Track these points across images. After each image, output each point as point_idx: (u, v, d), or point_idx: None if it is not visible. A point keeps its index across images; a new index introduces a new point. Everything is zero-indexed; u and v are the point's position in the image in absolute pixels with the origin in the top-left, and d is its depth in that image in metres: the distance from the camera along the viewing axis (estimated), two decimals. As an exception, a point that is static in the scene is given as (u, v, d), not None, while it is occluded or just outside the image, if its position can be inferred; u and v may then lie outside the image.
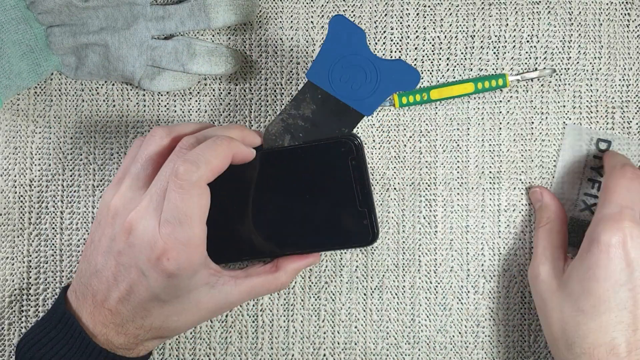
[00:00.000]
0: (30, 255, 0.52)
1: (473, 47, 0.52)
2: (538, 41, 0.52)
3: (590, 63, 0.53)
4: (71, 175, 0.52)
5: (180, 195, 0.39)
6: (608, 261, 0.41)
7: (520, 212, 0.52)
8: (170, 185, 0.39)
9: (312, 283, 0.52)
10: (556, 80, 0.53)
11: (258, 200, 0.45)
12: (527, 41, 0.52)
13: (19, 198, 0.52)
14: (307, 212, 0.44)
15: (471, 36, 0.52)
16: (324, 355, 0.52)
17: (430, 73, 0.53)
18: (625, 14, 0.52)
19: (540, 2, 0.52)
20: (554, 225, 0.49)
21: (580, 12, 0.52)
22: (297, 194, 0.44)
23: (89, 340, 0.42)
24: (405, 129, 0.52)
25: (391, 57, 0.52)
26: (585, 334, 0.41)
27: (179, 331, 0.45)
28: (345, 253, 0.52)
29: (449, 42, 0.53)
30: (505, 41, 0.52)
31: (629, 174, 0.45)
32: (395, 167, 0.52)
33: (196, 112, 0.53)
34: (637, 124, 0.52)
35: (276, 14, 0.53)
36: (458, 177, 0.52)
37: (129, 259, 0.41)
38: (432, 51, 0.52)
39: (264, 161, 0.44)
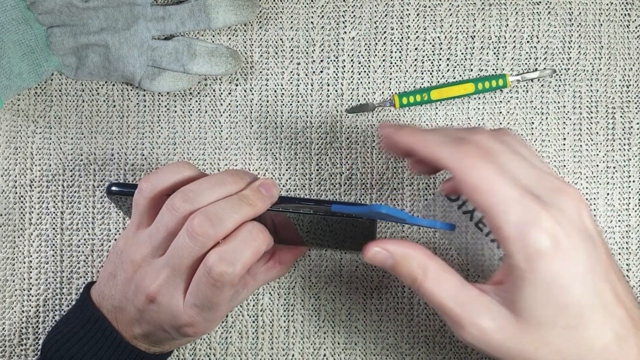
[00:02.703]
0: (31, 256, 0.52)
1: (473, 48, 0.52)
2: (538, 41, 0.52)
3: (591, 63, 0.53)
4: (72, 176, 0.53)
5: (212, 291, 0.40)
6: (565, 261, 0.34)
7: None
8: (202, 277, 0.39)
9: (312, 283, 0.52)
10: (556, 80, 0.53)
11: (268, 216, 0.44)
12: (528, 41, 0.52)
13: (20, 198, 0.52)
14: (316, 238, 0.46)
15: (471, 36, 0.52)
16: (324, 355, 0.52)
17: (431, 73, 0.53)
18: (625, 15, 0.52)
19: (540, 2, 0.52)
20: (437, 267, 0.37)
21: (580, 13, 0.52)
22: (311, 234, 0.45)
23: (121, 340, 0.43)
24: (405, 130, 0.52)
25: (391, 58, 0.52)
26: (591, 341, 0.34)
27: (199, 337, 0.49)
28: (345, 253, 0.52)
29: (449, 42, 0.53)
30: (506, 41, 0.52)
31: (474, 149, 0.35)
32: (395, 167, 0.52)
33: (196, 112, 0.53)
34: (637, 124, 0.52)
35: (276, 14, 0.53)
36: (458, 178, 0.52)
37: (151, 319, 0.42)
38: (433, 51, 0.52)
39: (283, 214, 0.43)
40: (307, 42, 0.53)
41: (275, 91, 0.53)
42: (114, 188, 0.45)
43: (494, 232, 0.35)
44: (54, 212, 0.52)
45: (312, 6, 0.53)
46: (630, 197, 0.52)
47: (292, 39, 0.53)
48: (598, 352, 0.34)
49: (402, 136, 0.38)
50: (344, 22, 0.52)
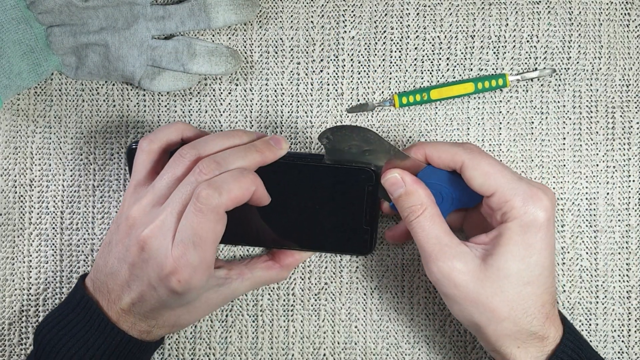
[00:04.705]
0: (31, 255, 0.52)
1: (473, 47, 0.52)
2: (538, 41, 0.53)
3: (590, 63, 0.53)
4: (71, 175, 0.53)
5: (198, 218, 0.40)
6: (547, 235, 0.42)
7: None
8: (190, 207, 0.41)
9: (312, 284, 0.52)
10: (556, 80, 0.53)
11: (274, 199, 0.46)
12: (527, 41, 0.52)
13: (20, 198, 0.52)
14: (315, 219, 0.48)
15: (471, 36, 0.53)
16: (324, 355, 0.52)
17: (430, 73, 0.53)
18: (625, 14, 0.52)
19: (540, 2, 0.52)
20: (433, 211, 0.43)
21: (580, 12, 0.52)
22: (311, 202, 0.47)
23: (107, 321, 0.43)
24: (405, 129, 0.52)
25: (390, 57, 0.52)
26: (536, 299, 0.42)
27: (190, 323, 0.47)
28: (344, 254, 0.52)
29: (449, 42, 0.53)
30: (506, 41, 0.52)
31: (476, 148, 0.44)
32: (395, 167, 0.52)
33: (197, 112, 0.53)
34: (637, 123, 0.52)
35: (276, 13, 0.53)
36: (458, 177, 0.52)
37: (141, 272, 0.42)
38: (432, 51, 0.53)
39: (289, 168, 0.46)
40: (307, 41, 0.53)
41: (275, 91, 0.53)
42: (134, 146, 0.46)
43: (501, 205, 0.42)
44: (54, 212, 0.52)
45: (312, 5, 0.53)
46: (630, 197, 0.52)
47: (292, 38, 0.53)
48: (538, 307, 0.42)
49: (418, 149, 0.45)
50: (343, 22, 0.53)
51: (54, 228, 0.52)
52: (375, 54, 0.53)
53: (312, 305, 0.52)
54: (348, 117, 0.52)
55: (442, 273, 0.42)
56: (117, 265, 0.43)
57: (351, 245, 0.48)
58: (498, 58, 0.52)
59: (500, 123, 0.52)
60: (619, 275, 0.52)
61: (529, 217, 0.41)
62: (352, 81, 0.52)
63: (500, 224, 0.42)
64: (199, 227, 0.40)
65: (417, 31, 0.53)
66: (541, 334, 0.42)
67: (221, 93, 0.53)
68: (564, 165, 0.52)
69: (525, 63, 0.52)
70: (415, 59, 0.53)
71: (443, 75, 0.52)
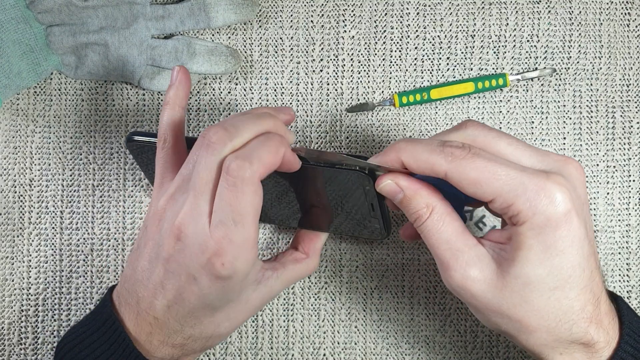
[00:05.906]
0: (30, 255, 0.52)
1: (473, 47, 0.52)
2: (538, 41, 0.52)
3: (591, 62, 0.52)
4: (71, 175, 0.52)
5: (234, 194, 0.37)
6: (570, 230, 0.35)
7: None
8: (221, 183, 0.37)
9: (312, 283, 0.52)
10: (556, 79, 0.53)
11: (289, 189, 0.45)
12: (528, 41, 0.52)
13: (19, 198, 0.52)
14: (328, 209, 0.46)
15: (471, 36, 0.52)
16: (324, 355, 0.52)
17: (431, 73, 0.52)
18: (625, 14, 0.52)
19: (540, 1, 0.52)
20: (442, 210, 0.38)
21: (580, 12, 0.52)
22: (320, 194, 0.45)
23: (132, 347, 0.40)
24: (405, 129, 0.52)
25: (390, 57, 0.52)
26: (571, 303, 0.36)
27: (226, 337, 0.44)
28: (345, 253, 0.52)
29: (449, 41, 0.53)
30: (506, 41, 0.52)
31: (459, 151, 0.36)
32: (395, 167, 0.52)
33: (196, 111, 0.53)
34: (637, 123, 0.52)
35: (276, 13, 0.53)
36: (458, 177, 0.52)
37: (178, 265, 0.39)
38: (432, 51, 0.52)
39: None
40: (307, 41, 0.53)
41: (275, 90, 0.53)
42: (136, 137, 0.44)
43: (505, 211, 0.36)
44: (54, 212, 0.52)
45: (312, 5, 0.53)
46: (630, 197, 0.52)
47: (292, 37, 0.53)
48: (576, 312, 0.36)
49: (394, 157, 0.38)
50: (343, 21, 0.52)
51: (53, 228, 0.52)
52: (375, 54, 0.52)
53: (312, 305, 0.52)
54: (348, 116, 0.52)
55: (457, 283, 0.37)
56: (148, 267, 0.40)
57: (367, 232, 0.47)
58: (498, 58, 0.52)
59: (501, 123, 0.52)
60: (619, 275, 0.52)
61: (539, 218, 0.35)
62: (352, 81, 0.52)
63: (511, 225, 0.36)
64: (235, 202, 0.37)
65: (417, 31, 0.52)
66: (586, 340, 0.37)
67: (221, 92, 0.53)
68: (564, 165, 0.52)
69: (526, 63, 0.52)
70: (415, 59, 0.53)
71: (443, 75, 0.52)
